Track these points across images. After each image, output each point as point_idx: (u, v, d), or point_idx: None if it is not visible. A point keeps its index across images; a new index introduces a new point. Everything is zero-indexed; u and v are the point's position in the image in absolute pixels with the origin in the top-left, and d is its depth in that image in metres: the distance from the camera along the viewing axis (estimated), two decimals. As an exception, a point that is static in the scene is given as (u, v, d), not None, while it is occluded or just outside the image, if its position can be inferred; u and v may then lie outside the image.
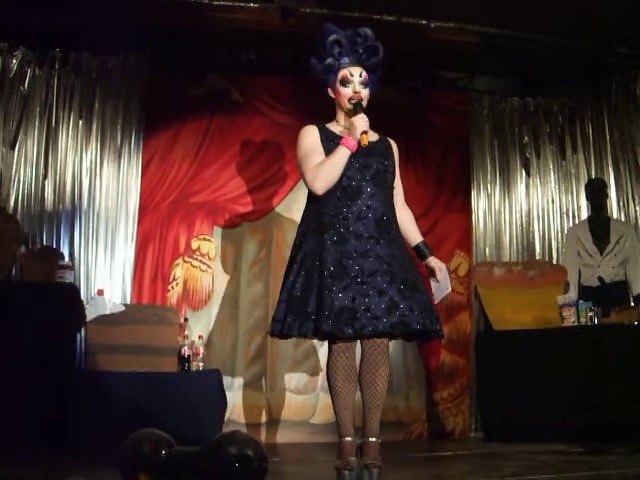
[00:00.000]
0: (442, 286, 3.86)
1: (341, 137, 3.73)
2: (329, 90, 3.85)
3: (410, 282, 3.58)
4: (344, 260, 3.54)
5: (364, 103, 3.78)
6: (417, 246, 3.91)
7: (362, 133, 3.64)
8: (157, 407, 4.88)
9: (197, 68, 6.72)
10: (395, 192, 3.90)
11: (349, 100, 3.75)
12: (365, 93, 3.79)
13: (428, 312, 3.58)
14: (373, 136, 3.85)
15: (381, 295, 3.48)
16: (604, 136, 7.21)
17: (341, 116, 3.86)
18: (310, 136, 3.81)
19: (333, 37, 3.75)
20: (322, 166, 3.67)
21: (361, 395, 3.71)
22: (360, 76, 3.76)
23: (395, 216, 3.81)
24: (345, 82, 3.76)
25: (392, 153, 3.90)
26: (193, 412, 5.07)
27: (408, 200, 4.00)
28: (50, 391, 4.90)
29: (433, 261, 3.87)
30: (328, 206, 3.68)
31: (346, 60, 3.77)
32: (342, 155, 3.65)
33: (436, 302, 3.83)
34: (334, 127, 3.86)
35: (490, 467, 4.33)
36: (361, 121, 3.66)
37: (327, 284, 3.49)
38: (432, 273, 3.87)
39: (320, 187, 3.67)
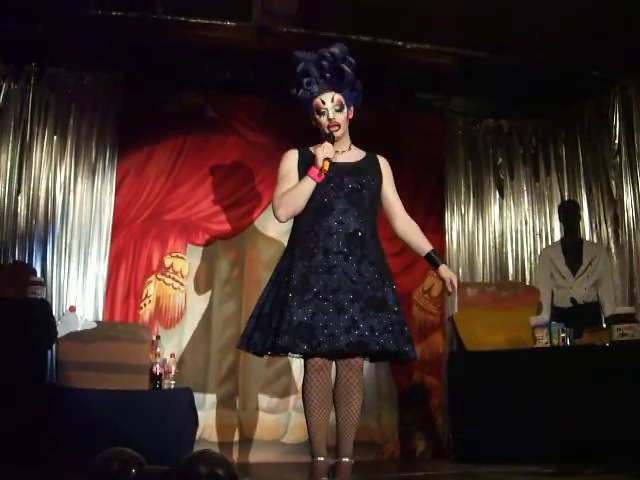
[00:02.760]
0: (453, 299, 3.86)
1: None
2: (311, 118, 3.88)
3: (377, 301, 3.58)
4: (309, 275, 3.56)
5: (344, 124, 3.82)
6: (427, 255, 3.92)
7: (324, 160, 3.66)
8: (128, 425, 4.83)
9: (173, 86, 6.72)
10: (393, 208, 3.93)
11: (328, 127, 3.78)
12: (341, 117, 3.81)
13: (394, 333, 3.56)
14: (358, 155, 3.88)
15: (341, 313, 3.49)
16: (577, 158, 7.25)
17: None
18: (287, 162, 3.86)
19: (300, 67, 3.78)
20: (287, 195, 3.72)
21: (335, 415, 3.71)
22: (332, 101, 3.79)
23: (374, 233, 3.81)
24: (319, 111, 3.80)
25: (379, 171, 3.91)
26: (164, 430, 5.03)
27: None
28: (20, 408, 4.84)
29: (444, 271, 3.89)
30: (302, 224, 3.72)
31: (316, 89, 3.79)
32: (306, 185, 3.69)
33: (447, 315, 3.84)
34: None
35: (462, 488, 4.32)
36: (321, 150, 3.69)
37: (288, 299, 3.50)
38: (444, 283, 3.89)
39: (282, 214, 3.73)
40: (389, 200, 3.94)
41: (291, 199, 3.69)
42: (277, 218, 3.74)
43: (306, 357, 3.64)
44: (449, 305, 3.90)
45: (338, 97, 3.80)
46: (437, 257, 3.92)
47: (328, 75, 3.79)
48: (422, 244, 3.95)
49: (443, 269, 3.88)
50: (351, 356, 3.66)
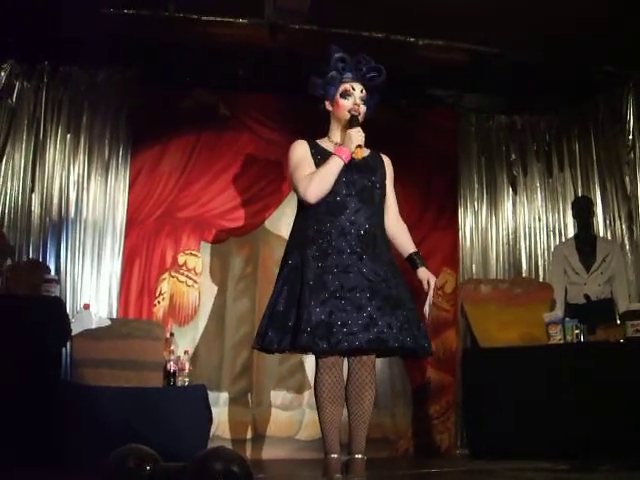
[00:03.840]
0: (429, 301, 3.83)
1: (330, 153, 3.75)
2: (327, 103, 3.87)
3: (392, 299, 3.57)
4: (324, 275, 3.55)
5: (360, 118, 3.81)
6: (409, 256, 3.90)
7: (357, 146, 3.66)
8: (142, 422, 4.85)
9: (185, 83, 6.72)
10: (387, 206, 3.92)
11: (349, 111, 3.78)
12: (363, 109, 3.82)
13: (411, 329, 3.57)
14: (365, 151, 3.87)
15: (359, 311, 3.48)
16: (591, 154, 7.23)
17: (335, 131, 3.89)
18: (300, 149, 3.83)
19: (339, 54, 3.82)
20: (315, 175, 3.67)
21: (348, 412, 3.71)
22: (361, 92, 3.81)
23: (383, 232, 3.82)
24: (346, 94, 3.80)
25: (383, 168, 3.91)
26: (178, 428, 5.05)
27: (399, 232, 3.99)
28: (35, 405, 4.86)
29: (422, 273, 3.85)
30: (312, 221, 3.70)
31: (349, 75, 3.82)
32: (335, 165, 3.66)
33: (426, 318, 3.82)
34: (325, 143, 3.87)
35: (476, 485, 4.32)
36: (358, 134, 3.70)
37: (305, 299, 3.49)
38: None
39: (313, 196, 3.67)
40: (387, 199, 3.93)
41: (320, 180, 3.65)
42: (307, 200, 3.68)
43: (319, 354, 3.64)
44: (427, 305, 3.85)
45: (365, 92, 3.84)
46: (418, 259, 3.90)
47: (364, 69, 3.85)
48: (407, 245, 3.94)
49: (422, 271, 3.86)
50: (366, 353, 3.66)
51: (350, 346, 3.47)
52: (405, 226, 4.00)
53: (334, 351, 3.54)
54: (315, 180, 3.66)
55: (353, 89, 3.80)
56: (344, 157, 3.66)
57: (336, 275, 3.55)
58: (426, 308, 3.81)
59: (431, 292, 3.83)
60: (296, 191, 3.78)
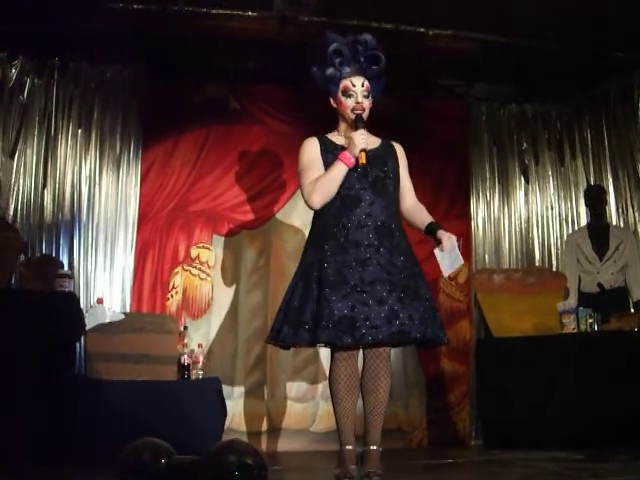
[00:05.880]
0: (451, 257, 3.75)
1: (341, 147, 3.74)
2: (331, 100, 3.85)
3: (411, 290, 3.57)
4: (344, 269, 3.54)
5: (366, 113, 3.78)
6: (427, 226, 3.83)
7: (361, 151, 3.64)
8: (157, 416, 4.86)
9: (195, 77, 6.73)
10: (404, 192, 3.90)
11: (352, 110, 3.75)
12: (367, 103, 3.78)
13: (429, 320, 3.58)
14: (375, 142, 3.86)
15: (381, 304, 3.48)
16: (602, 142, 7.20)
17: (343, 127, 3.86)
18: (310, 150, 3.81)
19: (334, 46, 3.73)
20: (319, 181, 3.67)
21: (363, 403, 3.72)
22: (362, 86, 3.75)
23: (400, 221, 3.81)
24: (347, 92, 3.75)
25: (395, 157, 3.89)
26: (193, 421, 5.05)
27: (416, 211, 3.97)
28: (49, 399, 4.89)
29: (441, 233, 3.77)
30: (329, 216, 3.69)
31: (347, 70, 3.76)
32: (339, 171, 3.66)
33: (445, 275, 3.78)
34: (335, 137, 3.86)
35: (491, 475, 4.33)
36: (360, 138, 3.65)
37: (326, 294, 3.49)
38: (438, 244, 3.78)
39: (316, 202, 3.68)
40: (404, 186, 3.91)
41: (325, 185, 3.65)
42: (310, 205, 3.70)
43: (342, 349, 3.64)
44: (444, 261, 3.73)
45: (367, 83, 3.77)
46: (436, 225, 3.82)
47: (362, 59, 3.78)
48: (426, 219, 3.86)
49: (441, 232, 3.76)
50: (386, 345, 3.66)
51: (374, 340, 3.47)
52: (423, 207, 3.96)
53: (359, 345, 3.56)
54: (318, 187, 3.66)
55: (354, 85, 3.74)
56: (349, 163, 3.65)
57: (355, 269, 3.55)
58: (453, 266, 3.72)
59: (454, 241, 3.75)
60: (302, 194, 3.78)
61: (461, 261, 3.77)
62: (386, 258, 3.60)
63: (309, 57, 3.87)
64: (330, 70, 3.75)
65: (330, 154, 3.75)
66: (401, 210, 3.90)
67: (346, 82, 3.75)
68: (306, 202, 3.73)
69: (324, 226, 3.71)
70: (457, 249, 3.74)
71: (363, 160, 3.64)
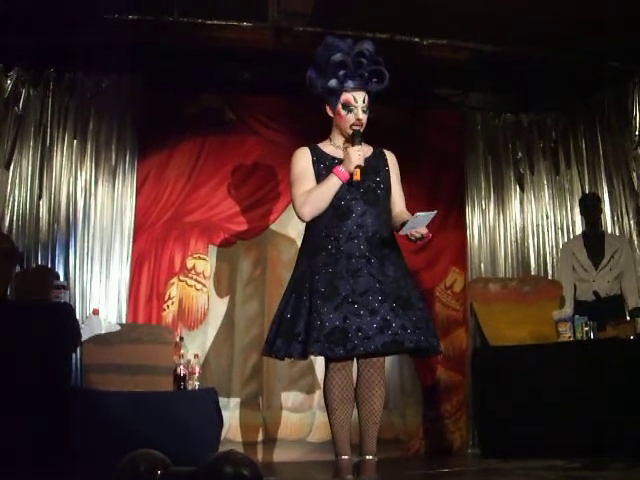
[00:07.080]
0: (418, 223, 3.57)
1: (333, 157, 3.74)
2: (327, 108, 3.84)
3: (403, 299, 3.57)
4: (335, 280, 3.55)
5: (363, 127, 3.77)
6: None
7: (356, 167, 3.63)
8: (153, 427, 4.86)
9: (191, 87, 6.73)
10: (394, 200, 3.88)
11: (351, 126, 3.74)
12: (365, 118, 3.77)
13: (422, 329, 3.57)
14: (367, 151, 3.84)
15: (373, 314, 3.48)
16: (597, 151, 7.22)
17: (337, 136, 3.86)
18: (302, 160, 3.80)
19: (338, 57, 3.69)
20: (311, 193, 3.67)
21: (358, 413, 3.72)
22: (364, 102, 3.74)
23: (391, 231, 3.80)
24: (348, 107, 3.73)
25: (387, 165, 3.89)
26: (189, 431, 5.05)
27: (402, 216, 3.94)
28: (45, 411, 4.88)
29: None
30: (321, 227, 3.70)
31: (350, 84, 3.73)
32: (332, 185, 3.65)
33: (399, 232, 3.60)
34: (327, 147, 3.85)
35: (488, 484, 4.32)
36: (356, 155, 3.64)
37: (317, 306, 3.49)
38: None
39: (306, 214, 3.68)
40: (394, 194, 3.89)
41: (316, 198, 3.65)
42: (301, 217, 3.71)
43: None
44: (410, 223, 3.55)
45: (367, 99, 3.76)
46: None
47: (366, 74, 3.76)
48: (406, 217, 3.72)
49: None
50: (382, 355, 3.66)
51: (366, 350, 3.47)
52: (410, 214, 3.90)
53: (350, 356, 3.56)
54: (310, 200, 3.67)
55: (355, 101, 3.73)
56: (343, 178, 3.65)
57: (347, 279, 3.55)
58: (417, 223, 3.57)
59: (432, 215, 3.57)
60: (293, 205, 3.78)
61: (423, 231, 3.61)
62: (377, 268, 3.60)
63: (304, 67, 3.86)
64: (332, 82, 3.72)
65: (322, 165, 3.75)
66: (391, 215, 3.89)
67: (348, 96, 3.73)
68: (296, 213, 3.73)
69: (316, 237, 3.71)
70: (428, 221, 3.61)
71: (357, 177, 3.63)
